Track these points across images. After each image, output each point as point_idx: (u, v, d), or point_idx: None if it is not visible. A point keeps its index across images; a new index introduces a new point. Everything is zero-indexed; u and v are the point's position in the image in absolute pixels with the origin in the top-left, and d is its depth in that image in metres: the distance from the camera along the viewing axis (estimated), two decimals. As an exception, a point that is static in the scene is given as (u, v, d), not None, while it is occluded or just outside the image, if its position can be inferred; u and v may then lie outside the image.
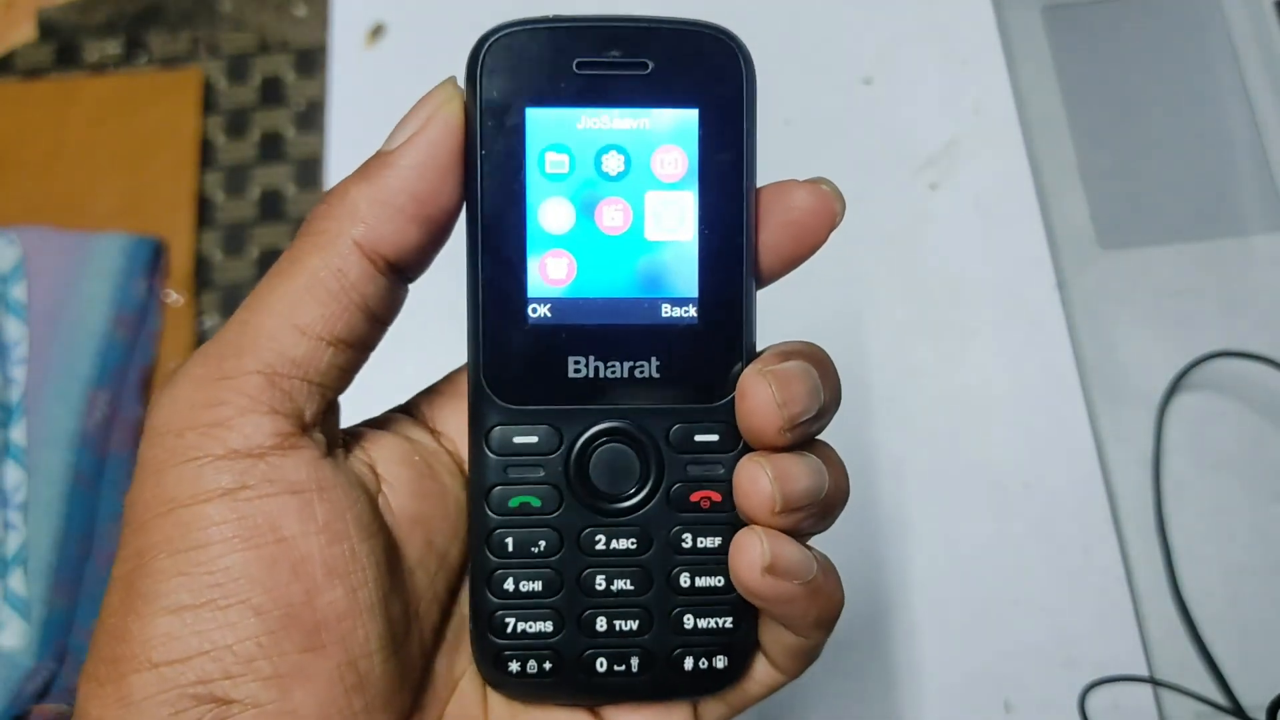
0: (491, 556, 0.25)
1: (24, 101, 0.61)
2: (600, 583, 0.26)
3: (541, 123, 0.25)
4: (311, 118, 0.59)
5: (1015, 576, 0.49)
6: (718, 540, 0.25)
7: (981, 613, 0.48)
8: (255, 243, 0.57)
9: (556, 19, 0.25)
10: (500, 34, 0.24)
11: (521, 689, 0.26)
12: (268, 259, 0.57)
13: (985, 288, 0.54)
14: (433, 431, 0.27)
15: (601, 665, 0.26)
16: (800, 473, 0.24)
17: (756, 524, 0.24)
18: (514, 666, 0.26)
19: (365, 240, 0.24)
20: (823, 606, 0.25)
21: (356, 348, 0.24)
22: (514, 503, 0.25)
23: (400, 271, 0.25)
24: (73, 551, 0.52)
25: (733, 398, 0.25)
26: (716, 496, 0.25)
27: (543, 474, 0.25)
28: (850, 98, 0.58)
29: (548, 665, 0.26)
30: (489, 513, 0.25)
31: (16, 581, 0.50)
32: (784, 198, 0.25)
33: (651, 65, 0.25)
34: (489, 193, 0.25)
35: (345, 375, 0.25)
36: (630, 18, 0.25)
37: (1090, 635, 0.48)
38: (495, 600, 0.25)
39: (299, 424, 0.24)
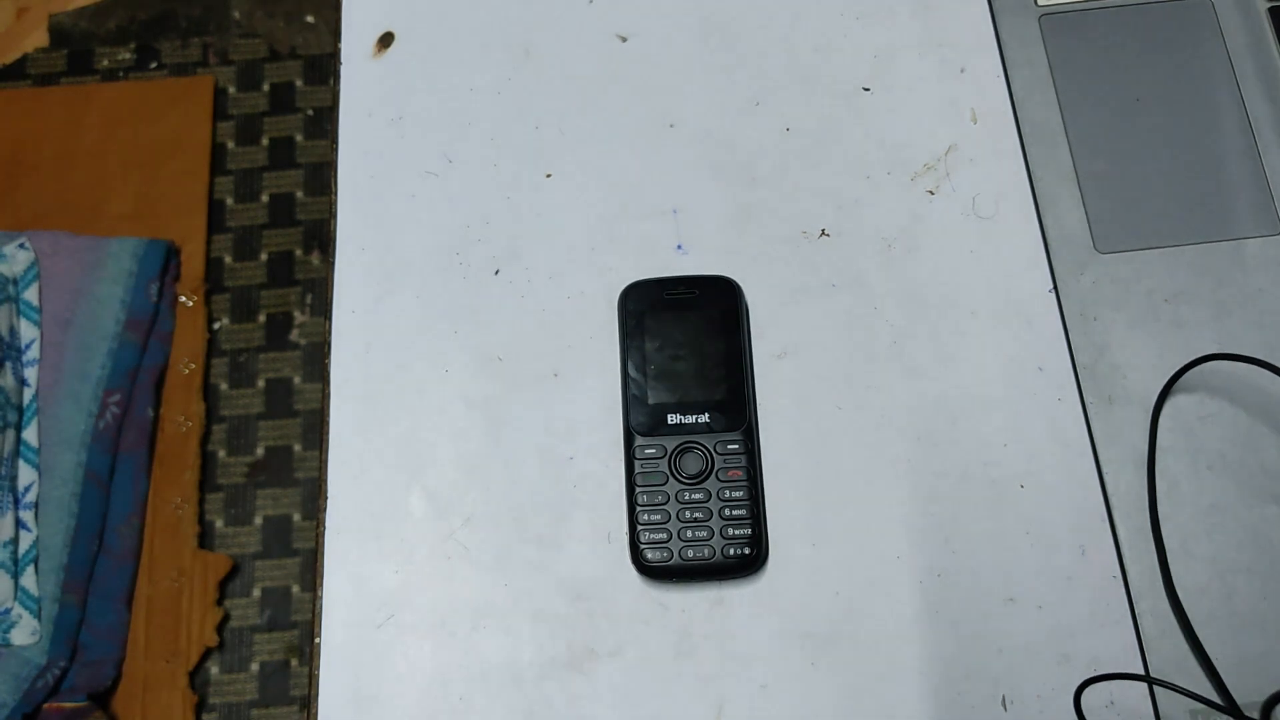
0: (637, 505, 0.50)
1: (37, 107, 0.62)
2: (686, 514, 0.49)
3: (652, 319, 0.52)
4: (321, 124, 0.59)
5: (1012, 575, 0.49)
6: (741, 492, 0.49)
7: (978, 611, 0.49)
8: (266, 246, 0.58)
9: (658, 278, 0.53)
10: (633, 283, 0.53)
11: (651, 571, 0.49)
12: (278, 262, 0.58)
13: (982, 291, 0.54)
14: None
15: (688, 554, 0.48)
16: None
17: None
18: (649, 556, 0.49)
19: None
20: None
21: None
22: (643, 480, 0.50)
23: None
24: (84, 550, 0.53)
25: (746, 425, 0.50)
26: (738, 472, 0.50)
27: (659, 465, 0.50)
28: (849, 105, 0.59)
29: (664, 555, 0.49)
30: (636, 485, 0.50)
31: (29, 580, 0.51)
32: None
33: (698, 292, 0.53)
34: (632, 350, 0.52)
35: None
36: (687, 277, 0.53)
37: (1086, 633, 0.48)
38: (640, 526, 0.49)
39: None
